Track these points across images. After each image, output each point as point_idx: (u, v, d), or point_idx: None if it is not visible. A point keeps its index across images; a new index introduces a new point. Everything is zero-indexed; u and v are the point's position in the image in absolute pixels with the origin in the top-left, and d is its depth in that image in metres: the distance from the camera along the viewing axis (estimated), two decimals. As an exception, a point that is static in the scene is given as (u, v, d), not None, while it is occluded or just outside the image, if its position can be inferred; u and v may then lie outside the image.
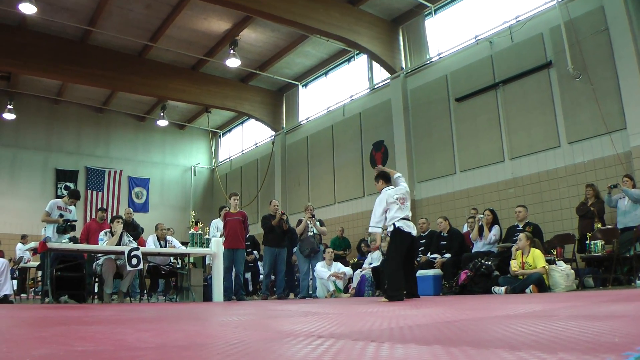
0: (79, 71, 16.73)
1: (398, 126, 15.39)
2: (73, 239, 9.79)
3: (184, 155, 24.34)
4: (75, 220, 10.45)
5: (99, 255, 9.95)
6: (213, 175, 24.54)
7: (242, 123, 23.80)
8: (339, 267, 11.85)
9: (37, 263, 14.26)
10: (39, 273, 14.75)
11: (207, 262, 12.39)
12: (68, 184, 21.03)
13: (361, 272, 12.10)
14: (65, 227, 10.10)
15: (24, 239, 16.59)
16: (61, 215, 10.35)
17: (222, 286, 10.44)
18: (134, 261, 9.25)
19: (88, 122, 22.21)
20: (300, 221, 11.87)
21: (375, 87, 16.82)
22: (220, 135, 25.12)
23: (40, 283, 14.13)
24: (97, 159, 22.08)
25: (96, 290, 10.37)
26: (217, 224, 12.42)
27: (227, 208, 12.12)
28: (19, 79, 19.48)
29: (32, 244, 9.97)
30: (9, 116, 19.56)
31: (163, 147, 23.82)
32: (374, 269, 11.76)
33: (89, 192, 21.50)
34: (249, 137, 23.21)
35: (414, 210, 14.68)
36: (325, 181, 18.06)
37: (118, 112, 22.55)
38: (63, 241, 9.51)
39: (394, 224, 7.42)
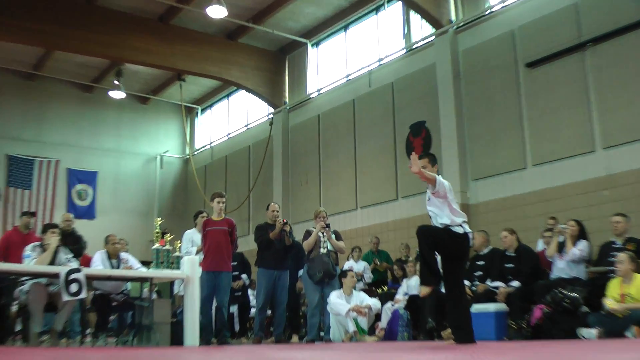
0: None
1: (445, 101, 15.28)
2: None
3: (148, 140, 24.40)
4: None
5: (24, 278, 9.81)
6: (187, 167, 24.54)
7: (228, 96, 23.74)
8: (362, 298, 11.71)
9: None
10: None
11: (176, 290, 12.29)
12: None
13: (393, 305, 11.97)
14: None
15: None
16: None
17: (198, 324, 10.31)
18: (74, 287, 9.11)
19: (12, 93, 22.36)
20: (309, 233, 11.76)
21: (414, 47, 16.69)
22: (197, 113, 25.10)
23: None
24: (24, 145, 22.16)
25: (19, 328, 10.27)
26: (193, 235, 12.30)
27: (206, 214, 11.97)
28: None
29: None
30: None
31: (118, 128, 23.90)
32: (411, 300, 11.63)
33: (11, 189, 21.59)
34: (238, 115, 23.14)
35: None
36: (343, 178, 17.96)
37: (55, 79, 22.59)
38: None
39: (462, 227, 7.56)
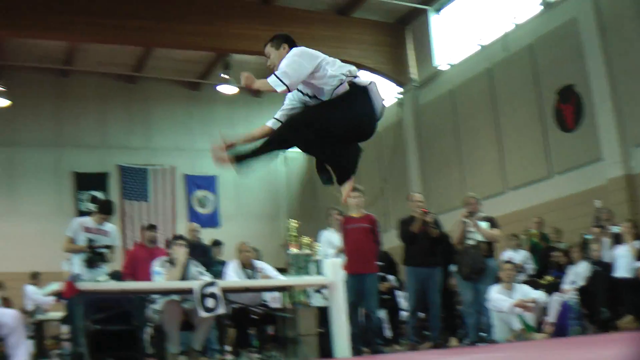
0: (92, 24, 17.02)
1: (594, 60, 14.82)
2: (114, 275, 9.90)
3: (266, 136, 24.44)
4: (110, 247, 10.59)
5: (155, 296, 10.00)
6: (311, 162, 24.47)
7: (349, 80, 23.67)
8: (525, 291, 11.51)
9: (61, 314, 14.66)
10: (65, 328, 15.18)
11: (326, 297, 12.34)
12: (94, 192, 21.60)
13: (561, 296, 11.73)
14: (92, 257, 10.24)
15: (35, 278, 17.06)
16: (90, 241, 10.50)
17: (347, 333, 10.29)
18: (210, 302, 9.22)
19: (115, 99, 22.81)
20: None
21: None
22: (318, 98, 25.10)
23: (67, 343, 14.52)
24: (134, 153, 22.63)
25: (154, 350, 10.48)
26: (330, 236, 12.31)
27: (338, 211, 11.98)
28: (7, 46, 20.26)
29: (54, 286, 10.10)
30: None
31: (232, 125, 23.88)
32: (582, 290, 11.41)
33: (126, 202, 22.00)
34: (361, 99, 23.07)
35: (626, 194, 14.11)
36: (485, 158, 17.66)
37: (158, 79, 23.00)
38: (99, 278, 9.61)
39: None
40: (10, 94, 20.43)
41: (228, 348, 11.64)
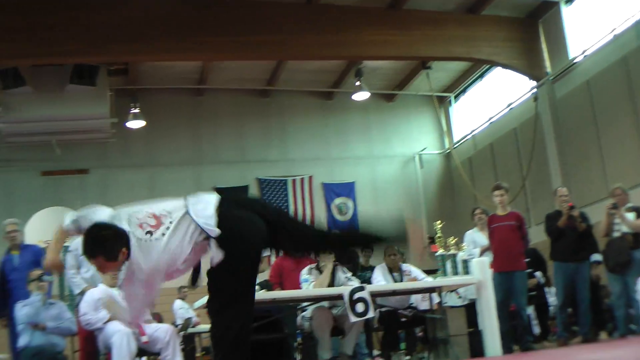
0: (222, 42, 17.39)
1: None
2: (264, 284, 10.16)
3: (401, 140, 24.41)
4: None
5: (305, 304, 10.22)
6: (449, 162, 24.40)
7: (481, 77, 23.44)
8: (677, 280, 11.29)
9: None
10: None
11: (460, 296, 12.37)
12: (235, 207, 22.02)
13: None
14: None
15: (181, 292, 17.60)
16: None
17: (497, 331, 10.31)
18: (360, 307, 9.36)
19: (250, 114, 23.23)
20: (611, 217, 11.50)
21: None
22: (450, 101, 24.95)
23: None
24: (272, 166, 23.00)
25: (304, 357, 10.69)
26: (474, 236, 12.35)
27: (482, 210, 11.99)
28: (140, 70, 20.97)
29: (206, 299, 10.45)
30: (136, 124, 21.00)
31: (367, 132, 24.07)
32: None
33: (267, 214, 22.32)
34: (497, 96, 22.78)
35: None
36: (626, 148, 17.27)
37: (292, 91, 23.28)
38: (250, 289, 9.89)
39: None
40: (146, 115, 21.09)
41: (376, 352, 11.80)
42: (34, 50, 16.00)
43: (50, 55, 16.48)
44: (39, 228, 17.28)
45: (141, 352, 9.76)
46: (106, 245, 5.21)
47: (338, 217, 22.93)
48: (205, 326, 15.40)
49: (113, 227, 5.22)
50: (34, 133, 20.01)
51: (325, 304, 10.05)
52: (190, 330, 15.02)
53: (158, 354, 9.85)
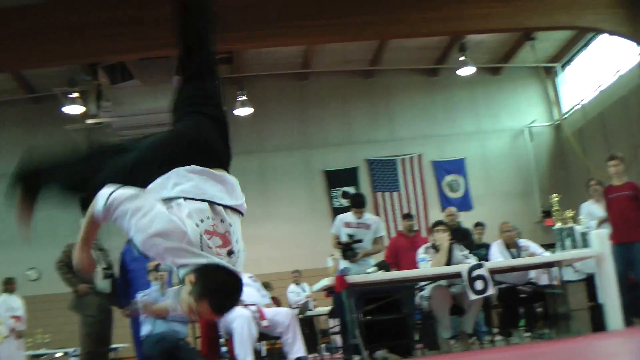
0: (324, 25, 17.36)
1: None
2: (382, 265, 10.20)
3: (508, 113, 24.05)
4: (360, 241, 10.88)
5: (423, 283, 10.24)
6: (559, 134, 23.96)
7: (586, 45, 22.98)
8: None
9: (327, 308, 15.22)
10: (331, 322, 15.76)
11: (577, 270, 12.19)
12: (346, 189, 22.14)
13: None
14: (347, 250, 10.60)
15: (296, 277, 17.79)
16: (350, 236, 10.89)
17: (618, 304, 10.15)
18: (479, 285, 9.35)
19: (356, 96, 23.27)
20: None
21: None
22: (556, 71, 24.51)
23: (338, 336, 15.05)
24: (380, 146, 22.99)
25: (424, 337, 10.70)
26: (590, 207, 12.16)
27: (597, 181, 11.80)
28: (244, 58, 21.17)
29: (324, 282, 10.53)
30: (243, 111, 21.23)
31: (474, 107, 23.82)
32: None
33: (378, 194, 22.44)
34: (604, 64, 22.31)
35: None
36: None
37: (396, 70, 23.20)
38: (368, 270, 9.96)
39: None
40: (253, 102, 21.33)
41: (495, 329, 11.74)
42: (140, 44, 16.27)
43: (154, 49, 16.74)
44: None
45: (262, 336, 9.92)
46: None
47: (450, 194, 22.76)
48: (323, 309, 15.56)
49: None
50: (144, 125, 20.33)
51: (444, 282, 10.06)
52: (308, 313, 15.14)
53: (278, 337, 10.00)
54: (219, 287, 3.75)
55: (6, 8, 15.60)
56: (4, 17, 15.56)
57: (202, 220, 3.87)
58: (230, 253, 3.96)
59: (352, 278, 9.55)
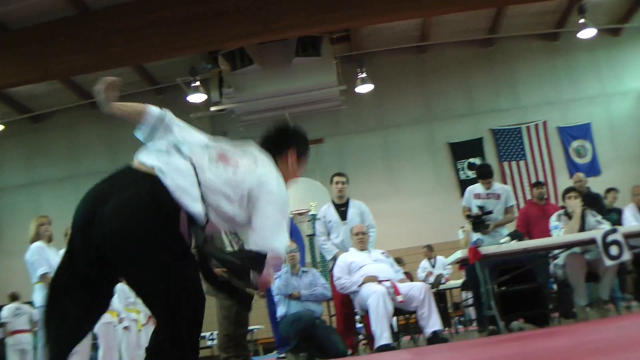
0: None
1: None
2: (514, 235, 10.11)
3: (631, 74, 23.31)
4: (491, 212, 10.81)
5: (556, 251, 10.11)
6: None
7: None
8: None
9: (459, 281, 15.18)
10: (464, 295, 15.72)
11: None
12: (471, 160, 22.03)
13: None
14: (478, 222, 10.56)
15: (429, 251, 17.81)
16: (481, 208, 10.84)
17: None
18: (614, 250, 9.16)
19: (476, 64, 23.09)
20: None
21: None
22: (678, 28, 23.79)
23: (471, 308, 15.01)
24: (503, 115, 22.72)
25: (559, 305, 10.57)
26: None
27: None
28: (361, 35, 21.19)
29: (457, 254, 10.51)
30: (364, 88, 21.15)
31: (597, 70, 23.20)
32: None
33: (504, 164, 22.22)
34: None
35: None
36: None
37: (515, 37, 22.84)
38: (501, 240, 9.89)
39: None
40: (373, 79, 21.18)
41: (628, 295, 11.52)
42: (257, 29, 16.49)
43: (272, 32, 16.93)
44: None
45: (397, 311, 9.96)
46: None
47: (577, 160, 22.31)
48: (456, 281, 15.53)
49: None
50: (266, 109, 20.67)
51: (578, 249, 9.90)
52: (441, 287, 15.15)
53: (414, 312, 10.03)
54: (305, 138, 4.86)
55: (125, 4, 16.02)
56: (124, 13, 15.98)
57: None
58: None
59: (486, 249, 9.49)
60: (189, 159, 4.02)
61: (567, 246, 9.83)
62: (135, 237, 3.71)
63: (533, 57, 23.17)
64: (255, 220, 4.19)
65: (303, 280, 10.91)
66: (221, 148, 4.28)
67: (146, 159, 4.02)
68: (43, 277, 9.62)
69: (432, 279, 15.69)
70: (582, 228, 9.97)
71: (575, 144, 22.53)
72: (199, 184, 3.94)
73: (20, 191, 23.45)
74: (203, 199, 3.93)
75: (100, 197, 3.86)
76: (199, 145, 4.22)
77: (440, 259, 17.50)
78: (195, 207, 3.87)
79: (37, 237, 9.98)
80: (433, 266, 17.47)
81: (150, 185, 3.83)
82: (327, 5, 16.36)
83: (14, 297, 16.35)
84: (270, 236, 4.19)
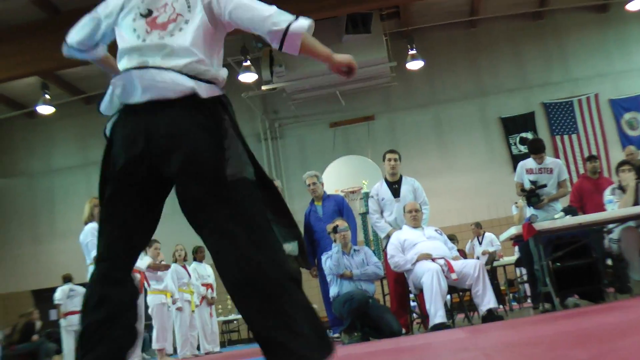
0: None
1: None
2: (568, 210, 10.06)
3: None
4: (544, 186, 10.75)
5: (611, 226, 10.05)
6: None
7: None
8: None
9: (513, 258, 15.11)
10: (518, 271, 15.65)
11: None
12: (523, 134, 21.91)
13: None
14: (532, 196, 10.52)
15: (479, 228, 17.82)
16: (533, 182, 10.80)
17: None
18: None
19: (527, 38, 22.85)
20: None
21: None
22: None
23: (525, 285, 14.97)
24: (555, 88, 22.48)
25: (615, 280, 10.50)
26: None
27: None
28: (411, 11, 21.10)
29: (512, 230, 10.48)
30: (415, 64, 20.99)
31: (646, 41, 22.92)
32: None
33: (556, 138, 21.99)
34: None
35: None
36: None
37: (565, 9, 22.58)
38: (555, 216, 9.85)
39: None
40: (423, 55, 21.09)
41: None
42: (307, 7, 16.53)
43: (322, 10, 16.98)
44: (334, 178, 17.89)
45: (451, 289, 9.98)
46: None
47: (629, 132, 22.02)
48: (510, 258, 15.47)
49: None
50: (318, 87, 20.73)
51: (632, 223, 9.82)
52: (495, 263, 15.10)
53: (468, 290, 10.04)
54: None
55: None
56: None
57: None
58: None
59: (540, 225, 9.45)
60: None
61: (621, 220, 9.76)
62: None
63: (583, 30, 22.86)
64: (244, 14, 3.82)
65: (355, 259, 10.90)
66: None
67: None
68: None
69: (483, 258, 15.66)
70: (637, 201, 9.90)
71: (627, 116, 22.20)
72: None
73: (74, 172, 23.77)
74: None
75: None
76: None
77: (488, 235, 17.47)
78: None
79: (91, 218, 10.14)
80: (480, 243, 17.47)
81: None
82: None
83: (67, 279, 16.61)
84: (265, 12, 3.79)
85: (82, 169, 23.38)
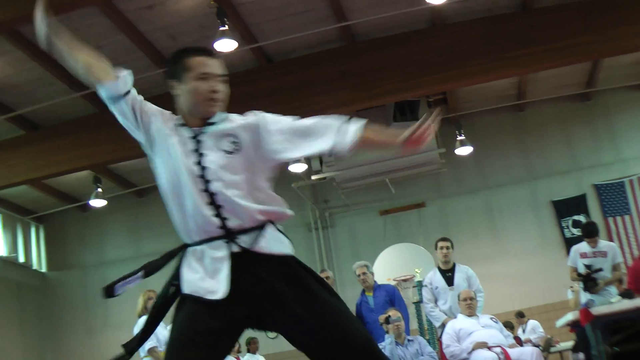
0: (534, 53, 16.98)
1: None
2: (625, 294, 9.97)
3: None
4: (600, 270, 10.66)
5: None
6: None
7: None
8: None
9: (570, 343, 14.90)
10: (577, 356, 15.41)
11: None
12: (575, 217, 21.73)
13: None
14: (588, 280, 10.43)
15: (522, 317, 17.67)
16: (588, 267, 10.72)
17: None
18: None
19: (575, 119, 22.78)
20: None
21: None
22: None
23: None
24: (605, 169, 22.31)
25: None
26: None
27: None
28: (458, 96, 21.22)
29: (569, 316, 10.40)
30: (464, 150, 21.20)
31: None
32: None
33: (609, 219, 21.76)
34: None
35: None
36: None
37: (613, 89, 22.41)
38: (612, 300, 9.77)
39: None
40: (472, 140, 21.25)
41: None
42: (355, 96, 16.74)
43: (370, 99, 17.17)
44: (386, 266, 17.86)
45: (508, 376, 9.86)
46: None
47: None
48: (566, 344, 15.26)
49: None
50: (367, 175, 20.81)
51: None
52: (552, 349, 14.93)
53: (524, 377, 9.92)
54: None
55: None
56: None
57: None
58: None
59: (597, 310, 9.38)
60: None
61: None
62: None
63: (632, 108, 22.77)
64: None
65: (409, 350, 10.86)
66: None
67: None
68: (151, 351, 9.83)
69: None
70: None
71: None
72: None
73: (126, 264, 23.73)
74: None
75: None
76: None
77: (531, 322, 17.34)
78: None
79: (144, 311, 10.21)
80: (524, 331, 17.34)
81: None
82: (424, 68, 16.57)
83: (123, 372, 16.65)
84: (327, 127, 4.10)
85: (134, 261, 23.26)
